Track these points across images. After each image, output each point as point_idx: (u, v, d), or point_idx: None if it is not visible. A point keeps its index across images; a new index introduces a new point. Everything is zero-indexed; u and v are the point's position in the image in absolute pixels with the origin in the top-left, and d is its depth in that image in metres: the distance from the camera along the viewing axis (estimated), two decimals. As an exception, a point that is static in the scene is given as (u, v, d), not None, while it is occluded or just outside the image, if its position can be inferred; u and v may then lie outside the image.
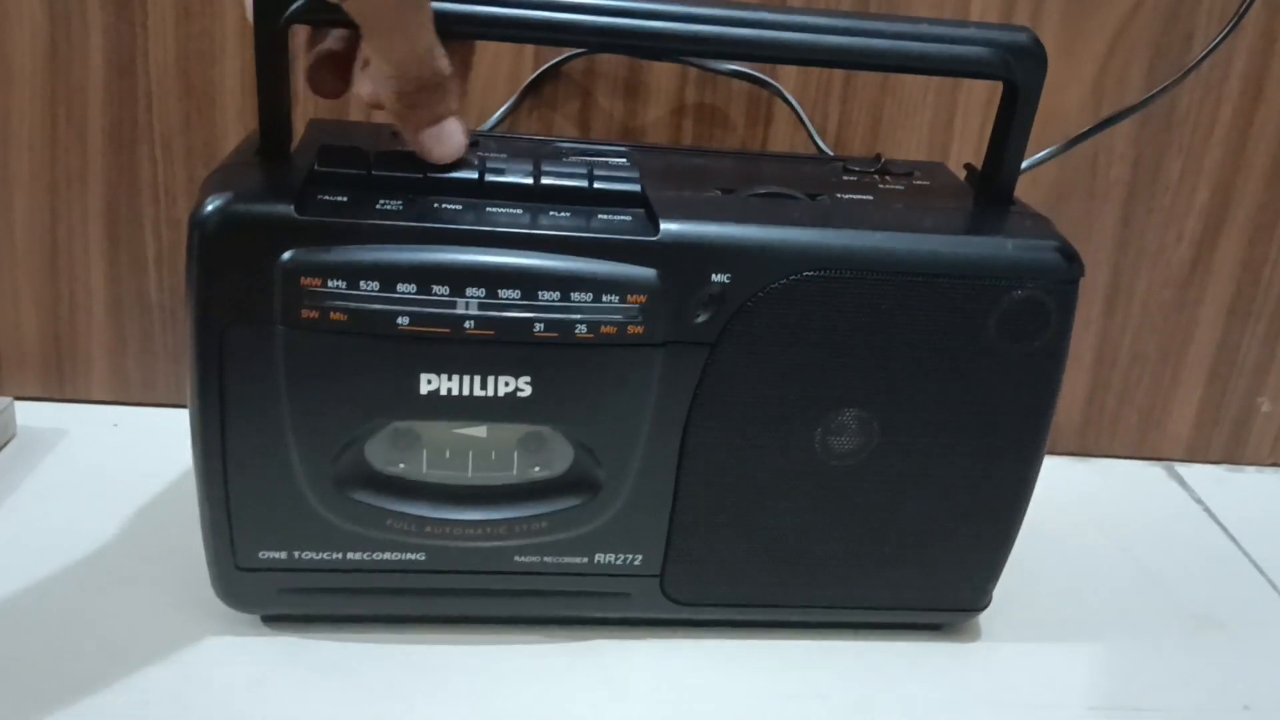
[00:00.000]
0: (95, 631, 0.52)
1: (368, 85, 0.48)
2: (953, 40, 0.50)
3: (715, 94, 0.67)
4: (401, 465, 0.50)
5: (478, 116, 0.66)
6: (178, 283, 0.69)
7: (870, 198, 0.54)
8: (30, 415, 0.68)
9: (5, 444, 0.66)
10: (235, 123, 0.66)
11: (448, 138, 0.48)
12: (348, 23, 0.45)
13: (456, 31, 0.47)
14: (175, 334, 0.70)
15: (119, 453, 0.67)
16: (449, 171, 0.48)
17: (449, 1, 0.46)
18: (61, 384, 0.71)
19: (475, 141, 0.54)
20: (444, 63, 0.47)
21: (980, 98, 0.68)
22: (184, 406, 0.48)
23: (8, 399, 0.67)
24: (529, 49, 0.66)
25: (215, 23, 0.64)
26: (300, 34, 0.51)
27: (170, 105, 0.65)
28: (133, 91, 0.65)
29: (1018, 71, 0.51)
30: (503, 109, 0.63)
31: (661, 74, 0.67)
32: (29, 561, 0.56)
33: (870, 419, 0.52)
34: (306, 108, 0.65)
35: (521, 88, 0.66)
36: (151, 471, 0.64)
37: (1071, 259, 0.50)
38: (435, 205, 0.47)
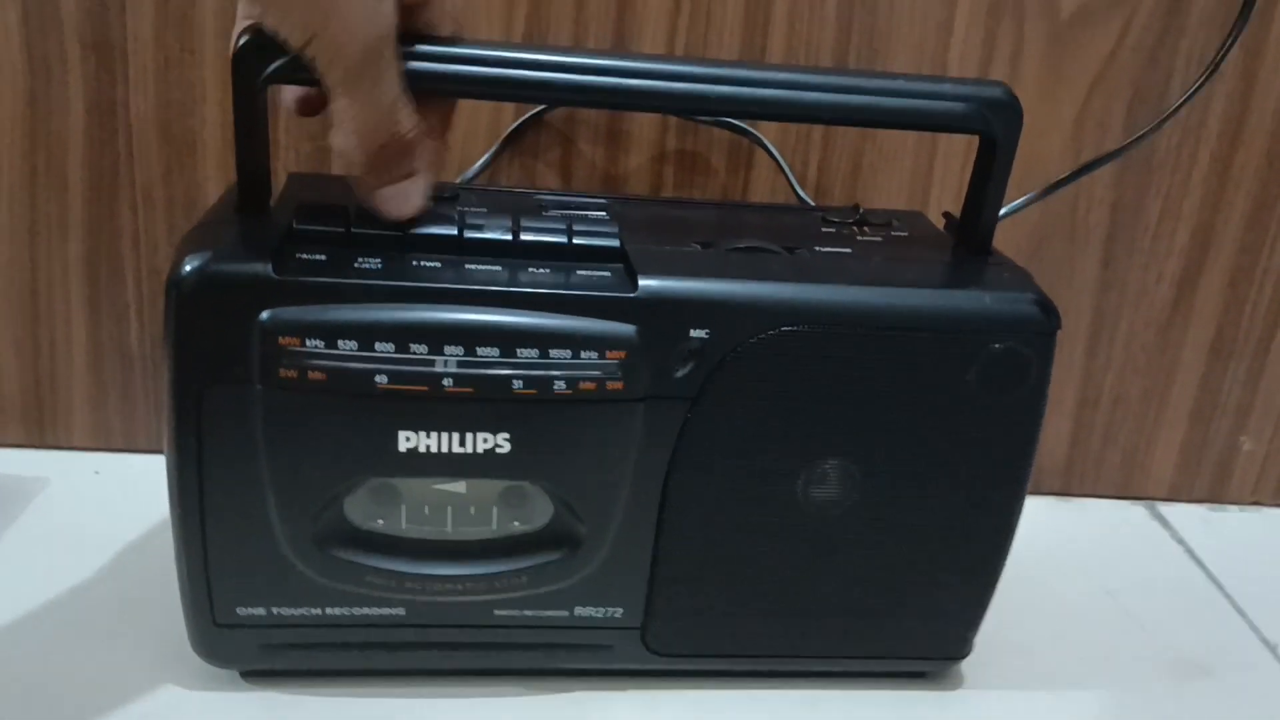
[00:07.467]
0: (72, 685, 0.52)
1: (339, 138, 0.46)
2: (928, 96, 0.50)
3: (696, 142, 0.68)
4: (381, 521, 0.50)
5: (458, 167, 0.66)
6: (159, 331, 0.68)
7: (848, 250, 0.54)
8: (11, 463, 0.68)
9: (-14, 492, 0.66)
10: (216, 172, 0.65)
11: (404, 199, 0.48)
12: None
13: (433, 90, 0.48)
14: (156, 382, 0.70)
15: (100, 501, 0.67)
16: (428, 228, 0.48)
17: (425, 61, 0.46)
18: (43, 431, 0.71)
19: (455, 195, 0.55)
20: (409, 122, 0.46)
21: (960, 144, 0.69)
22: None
23: (-12, 447, 0.67)
24: (509, 99, 0.66)
25: (195, 72, 0.64)
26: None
27: (151, 154, 0.65)
28: (113, 141, 0.65)
29: (994, 125, 0.51)
30: (483, 159, 0.63)
31: (643, 122, 0.67)
32: (7, 612, 0.56)
33: (851, 470, 0.52)
34: (287, 159, 0.65)
35: (502, 137, 0.66)
36: (133, 521, 0.64)
37: (1049, 312, 0.50)
38: (414, 263, 0.47)
